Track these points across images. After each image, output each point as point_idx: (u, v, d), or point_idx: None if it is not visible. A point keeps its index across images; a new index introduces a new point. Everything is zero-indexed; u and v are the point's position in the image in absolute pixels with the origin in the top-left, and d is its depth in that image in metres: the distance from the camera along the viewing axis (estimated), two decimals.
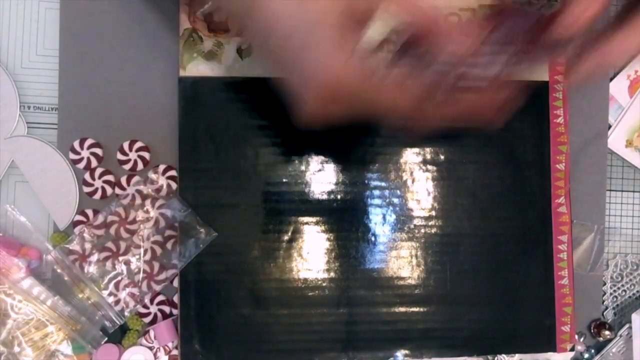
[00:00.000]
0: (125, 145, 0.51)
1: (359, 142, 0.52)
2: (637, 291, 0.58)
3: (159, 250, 0.51)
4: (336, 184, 0.52)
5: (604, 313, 0.57)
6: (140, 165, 0.51)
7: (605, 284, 0.57)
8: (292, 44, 0.31)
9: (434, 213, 0.53)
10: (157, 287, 0.51)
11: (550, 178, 0.54)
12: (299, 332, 0.51)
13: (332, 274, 0.52)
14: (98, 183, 0.51)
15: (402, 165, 0.53)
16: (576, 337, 0.56)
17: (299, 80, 0.32)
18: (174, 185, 0.51)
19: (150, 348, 0.51)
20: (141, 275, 0.50)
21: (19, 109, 0.51)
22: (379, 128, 0.52)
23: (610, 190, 0.58)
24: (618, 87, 0.58)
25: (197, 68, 0.51)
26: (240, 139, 0.51)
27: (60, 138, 0.51)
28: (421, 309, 0.53)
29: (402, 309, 0.53)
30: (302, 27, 0.30)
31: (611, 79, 0.58)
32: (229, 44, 0.52)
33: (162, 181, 0.51)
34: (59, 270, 0.50)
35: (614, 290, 0.58)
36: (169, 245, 0.51)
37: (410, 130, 0.35)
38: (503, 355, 0.55)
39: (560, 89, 0.54)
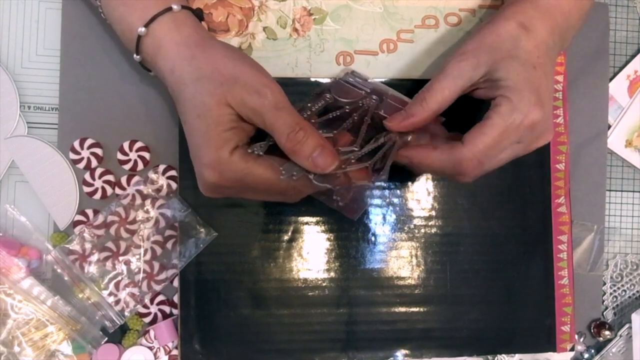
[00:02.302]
0: (125, 145, 0.51)
1: None
2: (637, 291, 0.58)
3: (159, 250, 0.51)
4: None
5: (604, 313, 0.57)
6: (140, 165, 0.51)
7: (605, 284, 0.57)
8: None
9: (434, 213, 0.53)
10: (157, 287, 0.51)
11: (550, 178, 0.54)
12: (299, 332, 0.51)
13: (332, 274, 0.52)
14: (98, 183, 0.51)
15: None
16: (576, 337, 0.56)
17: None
18: (174, 185, 0.51)
19: (150, 348, 0.51)
20: (141, 275, 0.50)
21: (19, 109, 0.51)
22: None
23: (610, 190, 0.58)
24: (618, 87, 0.58)
25: None
26: None
27: (60, 138, 0.51)
28: (421, 309, 0.53)
29: (402, 309, 0.53)
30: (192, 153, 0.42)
31: (611, 79, 0.58)
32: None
33: (162, 181, 0.51)
34: (59, 270, 0.50)
35: (614, 290, 0.58)
36: (169, 245, 0.51)
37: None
38: (503, 355, 0.55)
39: (560, 88, 0.54)
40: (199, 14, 0.46)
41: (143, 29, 0.42)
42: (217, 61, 0.41)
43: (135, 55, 0.44)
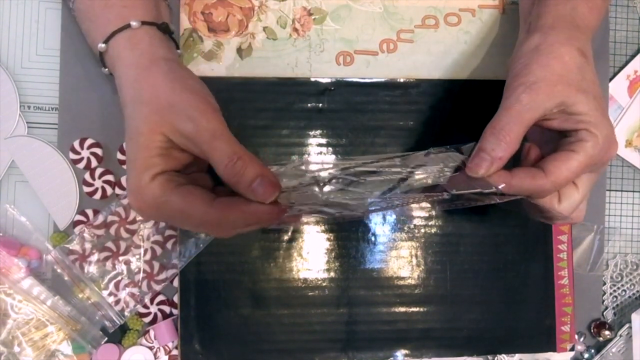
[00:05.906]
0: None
1: (359, 142, 0.52)
2: (637, 291, 0.58)
3: (159, 250, 0.51)
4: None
5: (604, 313, 0.57)
6: None
7: (605, 284, 0.57)
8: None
9: (434, 213, 0.53)
10: (157, 287, 0.51)
11: None
12: (299, 332, 0.51)
13: (332, 274, 0.52)
14: (98, 183, 0.51)
15: None
16: (576, 337, 0.56)
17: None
18: None
19: (150, 348, 0.51)
20: (141, 275, 0.50)
21: (19, 109, 0.51)
22: (378, 129, 0.52)
23: (610, 190, 0.58)
24: (618, 87, 0.58)
25: (197, 68, 0.51)
26: (240, 138, 0.51)
27: (60, 138, 0.51)
28: (421, 309, 0.53)
29: (402, 309, 0.53)
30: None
31: (611, 79, 0.58)
32: (229, 44, 0.52)
33: None
34: (59, 270, 0.50)
35: (614, 290, 0.58)
36: (169, 245, 0.51)
37: None
38: (503, 355, 0.55)
39: None
40: (164, 29, 0.45)
41: (103, 45, 0.43)
42: (157, 86, 0.41)
43: (102, 69, 0.45)
